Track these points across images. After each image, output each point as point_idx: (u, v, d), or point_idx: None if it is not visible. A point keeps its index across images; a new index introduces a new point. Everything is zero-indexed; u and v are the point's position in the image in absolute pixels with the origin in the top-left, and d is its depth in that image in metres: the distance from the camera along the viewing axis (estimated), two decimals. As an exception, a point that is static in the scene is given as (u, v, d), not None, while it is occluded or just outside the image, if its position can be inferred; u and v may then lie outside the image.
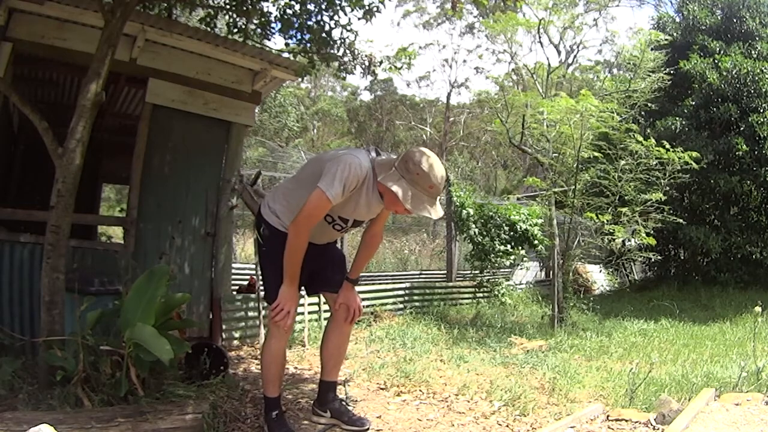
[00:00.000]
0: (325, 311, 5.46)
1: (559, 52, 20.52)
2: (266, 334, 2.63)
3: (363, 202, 2.38)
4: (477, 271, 8.17)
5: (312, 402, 2.78)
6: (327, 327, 2.69)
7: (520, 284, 9.68)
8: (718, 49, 10.92)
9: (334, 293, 2.58)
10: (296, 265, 2.33)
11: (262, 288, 2.68)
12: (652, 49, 8.40)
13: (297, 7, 4.14)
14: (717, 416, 2.61)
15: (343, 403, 2.75)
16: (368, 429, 2.62)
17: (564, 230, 7.33)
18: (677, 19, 12.37)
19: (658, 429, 2.59)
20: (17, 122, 5.44)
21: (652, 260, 9.40)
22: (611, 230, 6.76)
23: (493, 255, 7.88)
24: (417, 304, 7.06)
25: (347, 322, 2.57)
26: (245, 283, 5.84)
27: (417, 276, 10.76)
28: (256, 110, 6.50)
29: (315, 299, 5.39)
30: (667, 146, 6.88)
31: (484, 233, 7.92)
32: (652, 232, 6.87)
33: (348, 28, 4.36)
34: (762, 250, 10.23)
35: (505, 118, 8.94)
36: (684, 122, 10.51)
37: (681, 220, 7.85)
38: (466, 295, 7.91)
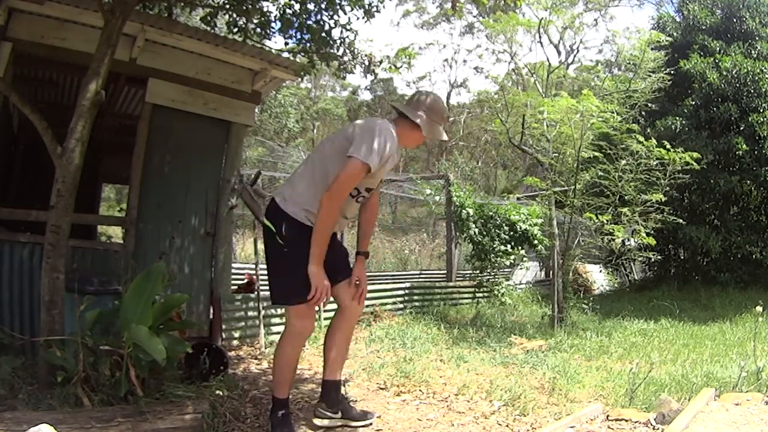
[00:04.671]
0: (325, 311, 5.46)
1: (559, 53, 20.56)
2: (282, 334, 2.59)
3: (387, 168, 2.51)
4: (477, 271, 8.17)
5: (317, 404, 2.75)
6: (332, 324, 2.68)
7: (520, 284, 9.68)
8: (718, 48, 10.92)
9: (343, 282, 2.58)
10: (326, 242, 2.33)
11: (267, 288, 2.62)
12: (652, 49, 8.40)
13: (297, 6, 4.14)
14: (717, 416, 2.60)
15: (347, 400, 2.77)
16: (372, 420, 2.71)
17: (564, 230, 7.33)
18: (677, 19, 12.37)
19: (658, 429, 2.59)
20: (17, 122, 5.44)
21: (652, 260, 9.39)
22: (611, 230, 6.76)
23: (493, 255, 7.88)
24: (417, 304, 7.05)
25: (355, 300, 2.59)
26: (244, 281, 5.84)
27: (417, 276, 10.76)
28: (256, 110, 6.49)
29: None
30: (668, 146, 6.88)
31: (484, 233, 7.91)
32: (652, 232, 6.86)
33: (348, 27, 4.37)
34: (762, 250, 10.22)
35: (505, 118, 8.95)
36: (684, 122, 10.50)
37: (681, 220, 7.85)
38: (466, 295, 7.90)
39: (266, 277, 2.53)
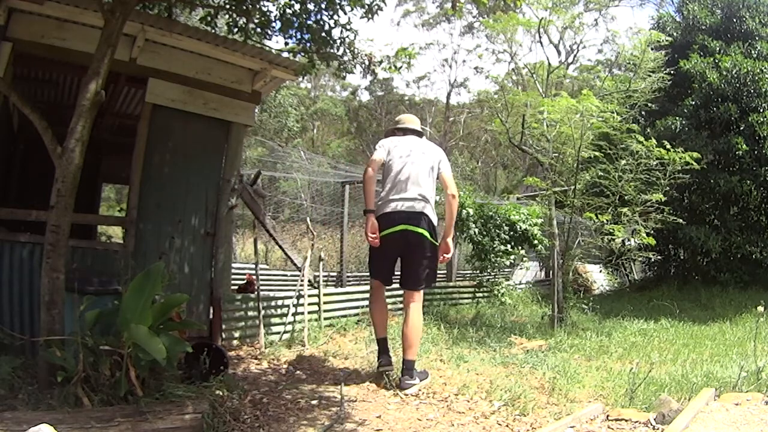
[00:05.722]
0: (325, 311, 5.46)
1: (559, 52, 20.53)
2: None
3: None
4: (477, 271, 8.16)
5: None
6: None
7: (520, 284, 9.67)
8: (718, 48, 10.91)
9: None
10: None
11: (427, 278, 3.80)
12: (652, 49, 8.38)
13: (297, 6, 4.13)
14: (717, 416, 2.60)
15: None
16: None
17: (564, 230, 7.32)
18: (677, 19, 12.37)
19: (657, 429, 2.59)
20: (17, 122, 5.44)
21: (652, 260, 9.37)
22: (611, 230, 6.75)
23: (493, 255, 7.87)
24: (417, 303, 7.03)
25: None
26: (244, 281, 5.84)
27: (417, 276, 10.72)
28: (256, 110, 6.49)
29: (315, 299, 5.39)
30: (668, 146, 6.87)
31: (484, 233, 7.91)
32: (652, 232, 6.85)
33: (348, 27, 4.36)
34: (762, 250, 10.20)
35: (505, 118, 8.92)
36: (684, 122, 10.49)
37: (681, 220, 7.84)
38: (466, 295, 7.90)
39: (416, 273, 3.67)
